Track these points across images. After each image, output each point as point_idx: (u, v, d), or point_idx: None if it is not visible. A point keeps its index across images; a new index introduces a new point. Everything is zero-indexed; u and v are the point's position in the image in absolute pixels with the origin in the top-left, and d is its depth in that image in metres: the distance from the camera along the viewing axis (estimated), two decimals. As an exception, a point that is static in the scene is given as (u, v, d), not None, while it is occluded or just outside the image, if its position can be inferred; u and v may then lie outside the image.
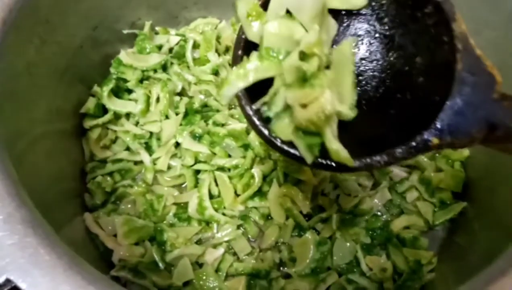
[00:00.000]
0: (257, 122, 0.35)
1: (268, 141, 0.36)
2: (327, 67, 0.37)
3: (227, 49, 0.78)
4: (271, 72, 0.35)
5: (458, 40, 0.34)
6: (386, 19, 0.39)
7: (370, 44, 0.40)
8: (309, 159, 0.34)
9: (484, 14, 0.58)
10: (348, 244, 0.60)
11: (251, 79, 0.35)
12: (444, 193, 0.63)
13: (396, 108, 0.38)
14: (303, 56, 0.34)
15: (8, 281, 0.32)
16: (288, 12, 0.36)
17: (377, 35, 0.40)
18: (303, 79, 0.34)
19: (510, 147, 0.36)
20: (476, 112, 0.33)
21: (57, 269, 0.33)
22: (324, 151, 0.34)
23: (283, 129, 0.35)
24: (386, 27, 0.39)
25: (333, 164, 0.34)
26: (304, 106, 0.33)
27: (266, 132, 0.35)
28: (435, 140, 0.33)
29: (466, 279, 0.42)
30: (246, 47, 0.37)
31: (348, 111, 0.37)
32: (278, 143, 0.35)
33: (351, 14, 0.40)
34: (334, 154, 0.33)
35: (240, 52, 0.37)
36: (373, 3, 0.39)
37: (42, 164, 0.54)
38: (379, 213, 0.64)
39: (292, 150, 0.35)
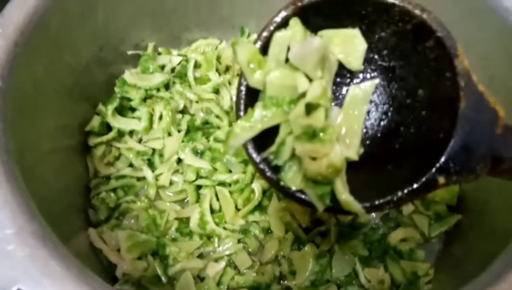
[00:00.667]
0: (267, 172, 0.36)
1: (279, 189, 0.36)
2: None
3: (227, 69, 0.81)
4: (276, 120, 0.36)
5: (461, 76, 0.34)
6: (386, 51, 0.39)
7: (371, 76, 0.40)
8: (320, 207, 0.35)
9: (473, 29, 0.60)
10: (346, 256, 0.61)
11: (257, 129, 0.35)
12: (439, 206, 0.65)
13: (399, 143, 0.38)
14: (309, 107, 0.34)
15: (19, 291, 0.34)
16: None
17: (377, 67, 0.40)
18: (312, 134, 0.34)
19: None
20: (480, 149, 0.34)
21: (66, 279, 0.34)
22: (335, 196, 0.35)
23: (292, 178, 0.36)
24: (386, 59, 0.39)
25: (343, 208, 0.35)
26: (313, 158, 0.34)
27: (275, 180, 0.36)
28: (442, 180, 0.33)
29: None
30: (248, 93, 0.38)
31: (355, 155, 0.37)
32: (289, 190, 0.36)
33: None
34: (345, 205, 0.34)
35: (242, 100, 0.37)
36: (373, 35, 0.39)
37: (49, 179, 0.56)
38: (376, 226, 0.65)
39: (303, 196, 0.36)
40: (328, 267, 0.61)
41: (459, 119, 0.33)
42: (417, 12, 0.35)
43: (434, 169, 0.33)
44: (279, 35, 0.36)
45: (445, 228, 0.63)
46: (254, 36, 0.84)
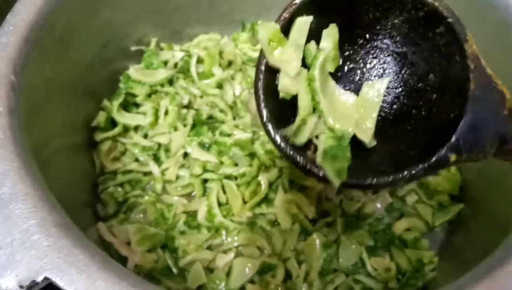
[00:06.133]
0: (285, 148, 0.37)
1: (297, 166, 0.37)
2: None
3: (229, 64, 0.81)
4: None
5: (470, 60, 0.35)
6: (398, 38, 0.41)
7: (384, 62, 0.42)
8: (336, 182, 0.36)
9: (472, 25, 0.61)
10: (353, 246, 0.62)
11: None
12: (442, 195, 0.67)
13: (411, 124, 0.40)
14: None
15: (46, 279, 0.34)
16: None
17: (390, 52, 0.42)
18: None
19: None
20: (489, 128, 0.35)
21: (92, 267, 0.35)
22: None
23: (311, 155, 0.38)
24: (399, 45, 0.41)
25: (358, 183, 0.37)
26: None
27: (293, 157, 0.37)
28: (453, 157, 0.35)
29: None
30: (268, 73, 0.39)
31: (368, 139, 0.39)
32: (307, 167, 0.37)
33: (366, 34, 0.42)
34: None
35: (261, 80, 0.38)
36: (386, 22, 0.40)
37: (59, 175, 0.56)
38: (381, 217, 0.67)
39: (321, 173, 0.37)
40: (335, 257, 0.62)
41: (469, 100, 0.35)
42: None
43: (445, 147, 0.35)
44: (301, 20, 0.38)
45: (448, 217, 0.65)
46: (255, 32, 0.85)
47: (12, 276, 0.34)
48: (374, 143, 0.40)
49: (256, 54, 0.82)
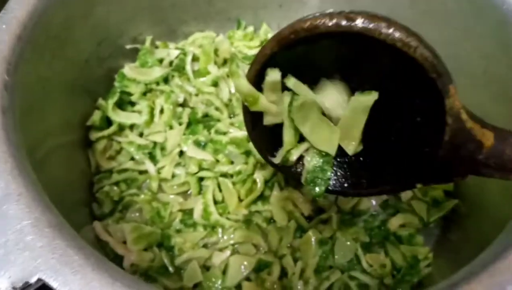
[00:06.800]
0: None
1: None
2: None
3: (224, 61, 0.81)
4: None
5: (449, 115, 0.34)
6: (378, 79, 0.38)
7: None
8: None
9: (470, 22, 0.61)
10: (348, 243, 0.62)
11: None
12: (436, 191, 0.67)
13: (390, 150, 0.42)
14: None
15: (39, 280, 0.34)
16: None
17: (370, 86, 0.39)
18: None
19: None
20: (460, 167, 0.37)
21: (86, 268, 0.35)
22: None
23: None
24: (379, 83, 0.38)
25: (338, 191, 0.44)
26: None
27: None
28: (419, 185, 0.40)
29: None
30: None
31: (357, 147, 0.43)
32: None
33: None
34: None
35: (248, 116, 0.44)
36: (365, 66, 0.38)
37: (54, 174, 0.56)
38: (376, 213, 0.67)
39: None
40: (331, 253, 0.62)
41: (443, 146, 0.36)
42: (410, 51, 0.33)
43: (414, 178, 0.39)
44: (271, 74, 0.39)
45: (442, 213, 0.65)
46: (250, 29, 0.85)
47: (6, 278, 0.34)
48: (360, 148, 0.43)
49: (251, 52, 0.82)
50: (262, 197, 0.67)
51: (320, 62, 0.39)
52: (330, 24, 0.33)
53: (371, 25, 0.32)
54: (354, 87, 0.40)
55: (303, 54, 0.38)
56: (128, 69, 0.73)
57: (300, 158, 0.45)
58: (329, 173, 0.43)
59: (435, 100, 0.34)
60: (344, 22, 0.33)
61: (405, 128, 0.39)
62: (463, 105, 0.35)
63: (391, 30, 0.32)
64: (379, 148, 0.42)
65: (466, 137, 0.36)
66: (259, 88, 0.41)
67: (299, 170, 0.45)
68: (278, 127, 0.43)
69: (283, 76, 0.40)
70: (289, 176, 0.45)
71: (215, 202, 0.66)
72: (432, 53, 0.33)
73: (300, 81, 0.40)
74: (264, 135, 0.45)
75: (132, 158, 0.71)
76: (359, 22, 0.32)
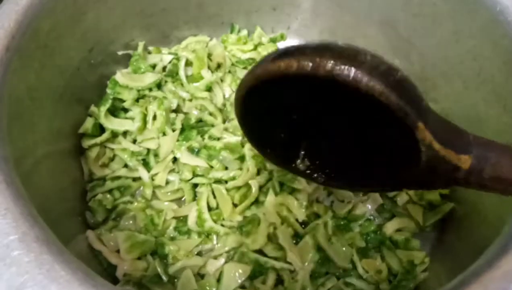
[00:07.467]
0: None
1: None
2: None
3: (218, 66, 0.81)
4: None
5: (422, 143, 0.35)
6: (347, 116, 0.38)
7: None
8: None
9: (462, 21, 0.61)
10: (344, 248, 0.62)
11: None
12: (432, 195, 0.66)
13: (374, 160, 0.42)
14: None
15: (26, 296, 0.34)
16: None
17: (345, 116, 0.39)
18: None
19: None
20: (441, 181, 0.38)
21: (73, 283, 0.35)
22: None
23: None
24: (349, 118, 0.38)
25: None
26: None
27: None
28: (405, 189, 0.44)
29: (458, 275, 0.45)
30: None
31: None
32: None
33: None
34: None
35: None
36: (333, 106, 0.37)
37: (45, 184, 0.56)
38: (372, 218, 0.66)
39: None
40: (326, 259, 0.61)
41: (421, 165, 0.36)
42: (375, 95, 0.32)
43: (399, 185, 0.42)
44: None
45: (439, 217, 0.65)
46: (244, 32, 0.85)
47: (-9, 295, 0.33)
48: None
49: (245, 56, 0.82)
50: (256, 203, 0.66)
51: (294, 99, 0.39)
52: (294, 68, 0.33)
53: (336, 68, 0.32)
54: (330, 124, 0.40)
55: (277, 91, 0.38)
56: (121, 76, 0.72)
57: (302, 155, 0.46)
58: None
59: (409, 129, 0.34)
60: (310, 66, 0.32)
61: (385, 147, 0.39)
62: (433, 137, 0.35)
63: (354, 74, 0.31)
64: (360, 162, 0.43)
65: (441, 161, 0.36)
66: (249, 114, 0.42)
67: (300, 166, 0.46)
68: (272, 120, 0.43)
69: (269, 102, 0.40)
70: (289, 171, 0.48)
71: (210, 209, 0.66)
72: (398, 93, 0.32)
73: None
74: (258, 130, 0.46)
75: (126, 165, 0.70)
76: (324, 65, 0.32)
